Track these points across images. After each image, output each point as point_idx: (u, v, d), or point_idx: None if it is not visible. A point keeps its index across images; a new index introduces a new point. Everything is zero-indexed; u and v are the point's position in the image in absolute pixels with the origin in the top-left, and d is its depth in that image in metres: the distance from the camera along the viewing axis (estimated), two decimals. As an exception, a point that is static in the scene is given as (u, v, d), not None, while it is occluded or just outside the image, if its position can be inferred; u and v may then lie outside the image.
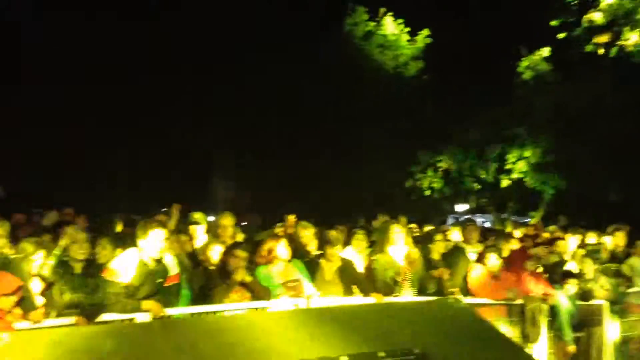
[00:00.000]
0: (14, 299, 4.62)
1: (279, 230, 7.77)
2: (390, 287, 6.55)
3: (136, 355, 1.69)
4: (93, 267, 5.49)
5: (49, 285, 5.40)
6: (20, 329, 4.43)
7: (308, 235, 7.39)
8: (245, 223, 10.09)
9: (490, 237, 9.42)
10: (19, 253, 5.78)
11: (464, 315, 2.09)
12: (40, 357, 1.62)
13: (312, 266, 6.71)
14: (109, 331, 1.85)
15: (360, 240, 7.33)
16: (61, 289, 5.25)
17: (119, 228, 8.10)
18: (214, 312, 5.60)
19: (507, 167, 15.81)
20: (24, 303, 4.87)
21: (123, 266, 5.41)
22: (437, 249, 7.52)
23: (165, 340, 1.77)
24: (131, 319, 5.08)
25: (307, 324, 1.95)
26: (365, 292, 6.53)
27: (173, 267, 5.69)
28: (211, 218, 8.95)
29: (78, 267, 5.38)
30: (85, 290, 5.29)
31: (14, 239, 6.73)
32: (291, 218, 7.86)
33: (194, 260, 6.85)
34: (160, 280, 5.55)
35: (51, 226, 7.54)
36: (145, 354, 1.69)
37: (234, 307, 5.67)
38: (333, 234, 6.90)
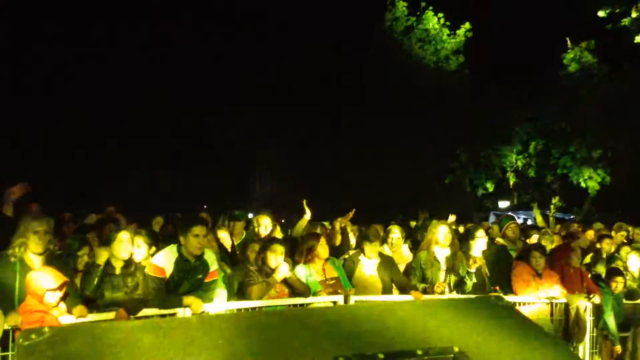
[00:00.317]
0: (59, 293, 4.73)
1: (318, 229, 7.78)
2: (430, 286, 6.48)
3: (174, 349, 1.69)
4: (131, 266, 5.56)
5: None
6: (63, 324, 4.53)
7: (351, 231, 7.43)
8: (283, 220, 10.16)
9: (533, 234, 9.24)
10: (65, 250, 5.94)
11: (506, 314, 2.03)
12: (80, 351, 1.64)
13: (351, 263, 6.71)
14: (147, 326, 1.86)
15: (396, 237, 7.30)
16: (103, 288, 5.33)
17: (156, 227, 8.22)
18: (252, 309, 5.64)
19: (551, 162, 15.43)
20: (69, 298, 4.99)
21: (164, 262, 5.50)
22: (480, 247, 7.39)
23: (203, 336, 1.77)
24: (172, 314, 5.16)
25: (344, 321, 1.92)
26: (404, 290, 6.48)
27: (213, 263, 5.76)
28: (250, 215, 9.03)
29: (118, 266, 5.46)
30: (125, 289, 5.37)
31: (60, 236, 6.93)
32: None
33: (233, 257, 6.93)
34: (200, 276, 5.62)
35: (95, 223, 7.72)
36: (183, 349, 1.69)
37: (272, 303, 5.70)
38: (372, 230, 6.87)
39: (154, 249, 6.39)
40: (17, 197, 7.16)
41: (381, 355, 1.71)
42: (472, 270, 6.68)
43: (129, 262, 5.50)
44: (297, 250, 6.44)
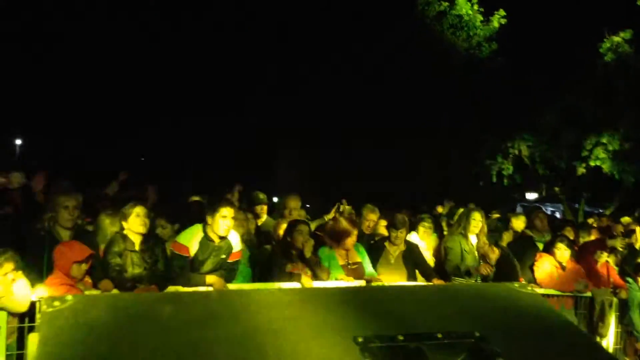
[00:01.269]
0: (84, 266, 4.82)
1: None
2: (460, 274, 6.47)
3: (194, 322, 1.71)
4: (150, 243, 5.57)
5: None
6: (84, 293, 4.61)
7: (373, 217, 7.40)
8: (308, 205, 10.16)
9: (566, 227, 9.12)
10: (96, 225, 6.00)
11: (530, 302, 2.00)
12: (101, 320, 1.66)
13: (377, 249, 6.70)
14: (168, 298, 1.88)
15: (427, 226, 7.27)
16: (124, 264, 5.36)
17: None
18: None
19: (583, 154, 15.10)
20: (95, 271, 5.08)
21: (189, 240, 5.56)
22: (506, 238, 7.37)
23: (224, 310, 1.78)
24: (194, 292, 5.21)
25: (366, 302, 1.92)
26: (429, 278, 6.46)
27: (237, 244, 5.80)
28: (274, 200, 9.06)
29: (137, 242, 5.46)
30: (145, 265, 5.39)
31: (92, 211, 7.03)
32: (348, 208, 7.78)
33: (257, 239, 6.97)
34: (224, 256, 5.67)
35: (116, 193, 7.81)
36: (203, 322, 1.71)
37: (292, 285, 5.73)
38: (399, 217, 6.84)
39: (177, 226, 6.46)
40: (41, 187, 7.37)
41: (401, 337, 1.70)
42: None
43: (147, 238, 5.52)
44: (328, 232, 6.41)
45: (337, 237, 6.24)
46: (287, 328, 1.71)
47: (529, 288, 2.04)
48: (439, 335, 1.72)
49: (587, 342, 1.85)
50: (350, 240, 6.23)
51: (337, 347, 1.65)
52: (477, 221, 6.76)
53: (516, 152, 15.82)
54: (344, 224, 6.31)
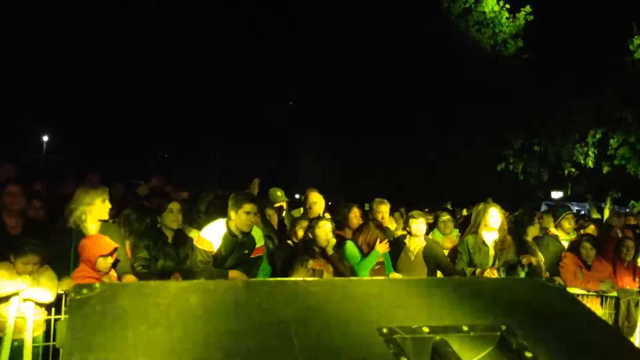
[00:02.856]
0: (110, 260, 4.89)
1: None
2: (480, 271, 6.36)
3: (220, 311, 1.72)
4: (182, 238, 5.72)
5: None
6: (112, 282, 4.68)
7: (385, 210, 7.36)
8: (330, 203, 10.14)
9: (588, 226, 8.99)
10: (122, 219, 6.10)
11: (556, 296, 1.98)
12: (128, 307, 1.69)
13: (397, 246, 6.66)
14: (195, 287, 1.90)
15: (445, 219, 7.22)
16: (156, 256, 5.48)
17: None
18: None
19: (610, 152, 14.87)
20: (120, 265, 5.15)
21: (212, 236, 5.60)
22: (531, 233, 7.28)
23: (248, 300, 1.79)
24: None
25: (389, 294, 1.91)
26: (449, 275, 6.40)
27: (259, 240, 5.83)
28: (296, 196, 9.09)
29: (170, 236, 5.62)
30: (176, 259, 5.52)
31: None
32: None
33: (278, 236, 6.99)
34: (247, 251, 5.70)
35: (146, 195, 7.91)
36: (228, 311, 1.72)
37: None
38: (418, 212, 6.80)
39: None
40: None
41: (426, 329, 1.69)
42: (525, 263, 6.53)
43: (180, 233, 5.64)
44: (362, 232, 6.37)
45: (368, 246, 6.20)
46: (311, 318, 1.72)
47: (555, 282, 2.02)
48: (465, 328, 1.70)
49: (614, 335, 1.82)
50: (382, 248, 6.19)
51: (362, 337, 1.65)
52: (494, 217, 6.59)
53: (542, 150, 15.64)
54: (375, 233, 6.25)
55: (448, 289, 1.95)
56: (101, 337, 1.58)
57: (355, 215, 6.92)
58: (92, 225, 5.35)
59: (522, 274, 6.43)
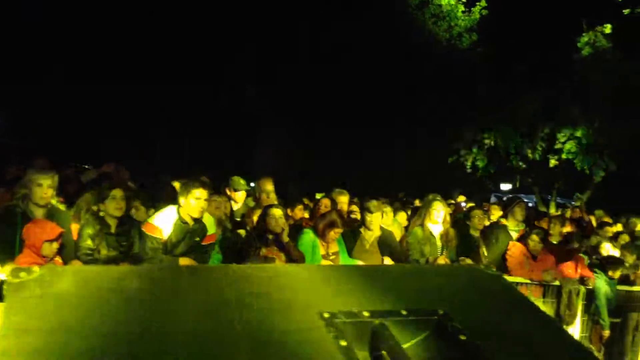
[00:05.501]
0: (55, 245, 4.79)
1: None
2: (433, 261, 6.55)
3: (162, 296, 1.72)
4: (126, 225, 5.59)
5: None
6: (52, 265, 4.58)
7: (344, 201, 7.46)
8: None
9: (543, 218, 9.28)
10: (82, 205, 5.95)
11: (494, 283, 2.05)
12: (68, 292, 1.67)
13: (353, 235, 6.76)
14: (137, 272, 1.89)
15: (388, 212, 7.37)
16: (99, 246, 5.36)
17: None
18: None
19: (557, 146, 15.34)
20: (65, 251, 5.05)
21: (163, 222, 5.54)
22: (477, 226, 7.46)
23: (193, 284, 1.79)
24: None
25: (332, 280, 1.94)
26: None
27: (211, 227, 5.80)
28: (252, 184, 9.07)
29: (113, 225, 5.47)
30: (120, 248, 5.41)
31: (63, 192, 6.95)
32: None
33: (231, 223, 6.97)
34: (198, 239, 5.67)
35: (94, 180, 7.74)
36: (173, 295, 1.72)
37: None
38: (374, 203, 6.90)
39: (152, 210, 6.43)
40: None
41: (366, 313, 1.73)
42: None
43: (123, 221, 5.52)
44: (318, 219, 6.43)
45: (323, 227, 6.24)
46: (254, 303, 1.73)
47: (493, 269, 2.09)
48: (404, 312, 1.75)
49: (546, 320, 1.90)
50: (333, 235, 6.25)
51: (303, 322, 1.67)
52: (438, 210, 6.81)
53: (492, 143, 16.01)
54: (335, 216, 6.33)
55: (390, 275, 1.99)
56: (39, 322, 1.55)
57: (325, 206, 7.03)
58: (37, 209, 5.23)
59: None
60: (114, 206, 5.42)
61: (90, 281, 1.74)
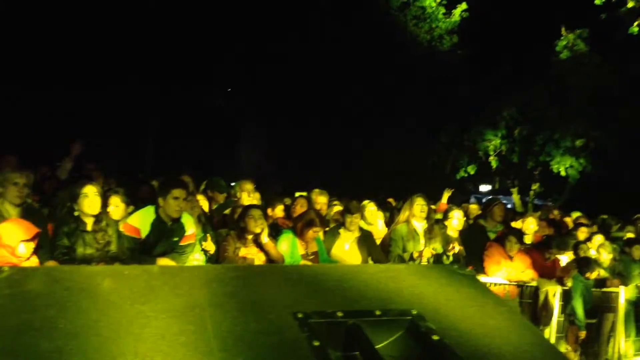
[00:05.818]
0: (31, 245, 4.71)
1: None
2: (403, 260, 6.57)
3: (133, 296, 1.70)
4: (103, 223, 5.46)
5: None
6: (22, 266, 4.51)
7: (323, 202, 7.47)
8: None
9: (518, 219, 9.35)
10: (58, 203, 5.84)
11: (467, 283, 2.06)
12: (38, 292, 1.65)
13: (332, 235, 6.76)
14: (108, 272, 1.87)
15: (371, 211, 7.40)
16: (74, 245, 5.25)
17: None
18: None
19: (535, 148, 15.52)
20: (41, 251, 4.97)
21: (141, 222, 5.48)
22: (455, 227, 7.49)
23: (163, 285, 1.78)
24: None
25: (306, 280, 1.94)
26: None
27: (190, 227, 5.75)
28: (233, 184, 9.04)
29: (90, 222, 5.34)
30: (96, 246, 5.29)
31: (40, 191, 6.86)
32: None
33: (210, 223, 6.93)
34: (176, 239, 5.61)
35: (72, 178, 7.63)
36: (143, 296, 1.70)
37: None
38: (353, 203, 6.92)
39: (131, 208, 6.36)
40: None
41: (340, 314, 1.73)
42: (450, 253, 6.79)
43: (99, 219, 5.39)
44: (296, 219, 6.45)
45: (302, 226, 6.25)
46: (227, 303, 1.72)
47: (465, 269, 2.11)
48: (377, 313, 1.76)
49: (517, 320, 1.92)
50: (312, 234, 6.26)
51: (277, 322, 1.67)
52: (421, 206, 6.87)
53: (471, 144, 16.14)
54: (313, 215, 6.34)
55: (364, 275, 2.00)
56: (7, 321, 1.53)
57: (301, 206, 7.02)
58: (12, 208, 5.14)
59: (448, 262, 6.70)
60: (87, 204, 5.27)
61: (60, 281, 1.72)
